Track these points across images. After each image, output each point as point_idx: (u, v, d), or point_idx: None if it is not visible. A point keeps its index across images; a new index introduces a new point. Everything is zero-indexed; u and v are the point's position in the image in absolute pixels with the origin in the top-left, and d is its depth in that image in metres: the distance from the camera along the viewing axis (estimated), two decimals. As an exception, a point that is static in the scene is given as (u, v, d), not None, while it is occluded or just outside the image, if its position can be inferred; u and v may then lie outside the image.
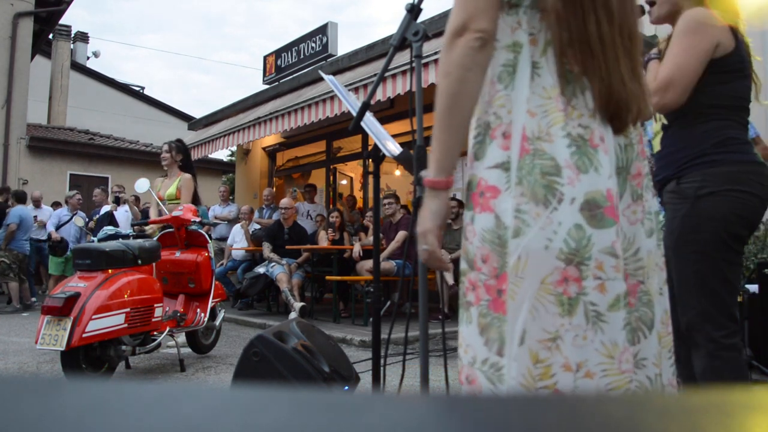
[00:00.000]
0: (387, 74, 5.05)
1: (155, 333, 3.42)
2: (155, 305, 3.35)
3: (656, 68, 1.71)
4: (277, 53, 9.88)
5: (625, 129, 1.02)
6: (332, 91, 4.71)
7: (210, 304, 3.93)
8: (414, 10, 1.63)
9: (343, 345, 4.14)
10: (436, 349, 3.99)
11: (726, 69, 1.66)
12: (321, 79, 5.06)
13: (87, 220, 7.79)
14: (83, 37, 17.44)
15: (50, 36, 13.42)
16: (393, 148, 1.95)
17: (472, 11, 1.00)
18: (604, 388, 0.93)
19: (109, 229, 5.54)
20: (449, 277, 5.60)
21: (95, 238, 6.14)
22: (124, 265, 3.27)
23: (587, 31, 0.99)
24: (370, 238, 5.86)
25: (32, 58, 11.76)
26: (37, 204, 8.28)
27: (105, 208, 7.47)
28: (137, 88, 18.50)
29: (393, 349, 3.90)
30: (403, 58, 3.98)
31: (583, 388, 0.92)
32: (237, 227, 7.29)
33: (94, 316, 2.89)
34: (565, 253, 0.94)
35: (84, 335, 2.83)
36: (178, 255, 3.91)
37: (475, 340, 1.03)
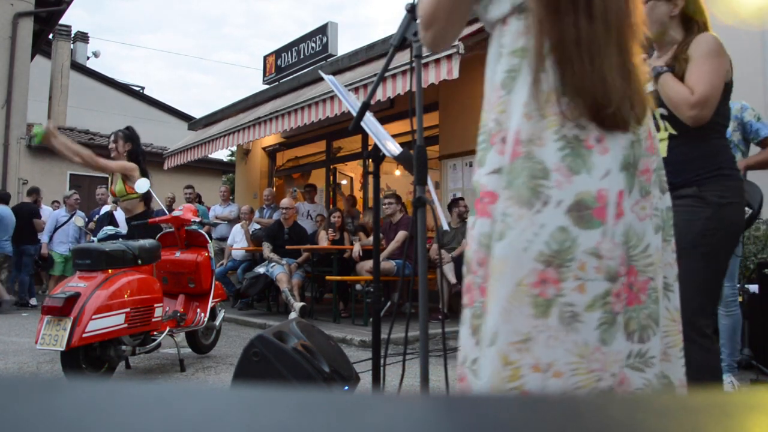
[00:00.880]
0: (387, 74, 5.05)
1: (155, 333, 3.42)
2: (155, 305, 3.35)
3: (677, 83, 1.80)
4: (277, 53, 9.88)
5: (625, 125, 1.01)
6: (332, 91, 4.71)
7: (210, 304, 3.93)
8: (414, 10, 1.63)
9: (343, 345, 4.14)
10: (436, 349, 3.99)
11: (727, 92, 1.86)
12: (321, 79, 5.06)
13: (86, 219, 7.80)
14: (83, 37, 17.44)
15: (50, 36, 13.41)
16: (393, 148, 1.95)
17: None
18: (572, 386, 0.93)
19: (109, 229, 5.54)
20: (451, 276, 5.60)
21: (95, 238, 6.15)
22: (124, 265, 3.27)
23: (564, 36, 0.99)
24: (370, 238, 5.86)
25: (32, 58, 11.76)
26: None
27: (105, 208, 7.47)
28: (137, 88, 18.50)
29: (393, 349, 3.90)
30: (403, 58, 3.99)
31: (552, 388, 0.92)
32: (237, 227, 7.30)
33: (94, 316, 2.89)
34: (545, 255, 0.94)
35: (84, 335, 2.83)
36: (178, 255, 3.91)
37: (467, 341, 1.05)
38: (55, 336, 2.81)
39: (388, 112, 6.68)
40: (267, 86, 9.67)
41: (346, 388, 2.39)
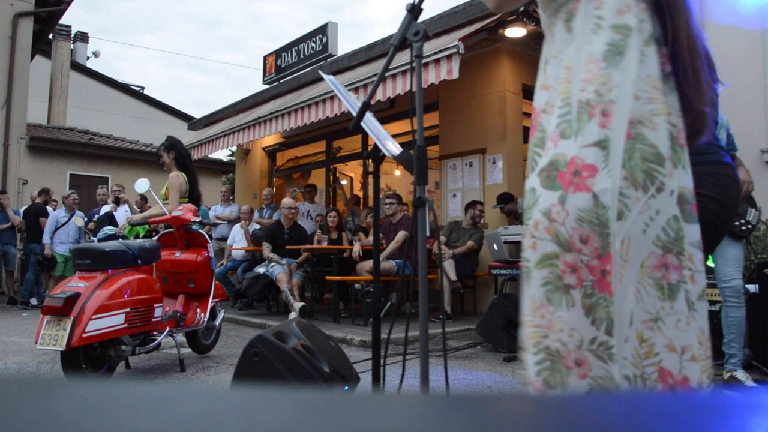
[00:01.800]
0: (387, 74, 5.06)
1: (155, 333, 3.42)
2: (155, 305, 3.35)
3: None
4: (277, 53, 9.88)
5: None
6: (332, 91, 4.71)
7: (210, 304, 3.93)
8: (414, 10, 1.63)
9: (343, 345, 4.14)
10: (436, 349, 4.00)
11: None
12: (321, 79, 5.06)
13: (86, 219, 7.80)
14: (83, 37, 17.44)
15: (50, 36, 13.41)
16: (393, 148, 1.95)
17: None
18: (700, 373, 0.98)
19: (109, 229, 5.55)
20: (451, 273, 5.60)
21: (95, 238, 6.15)
22: (124, 265, 3.27)
23: (679, 38, 1.04)
24: (370, 238, 5.87)
25: (32, 58, 11.75)
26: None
27: (105, 208, 7.48)
28: (137, 88, 18.50)
29: (393, 349, 3.91)
30: (403, 58, 4.00)
31: (689, 372, 0.96)
32: (237, 227, 7.30)
33: (94, 316, 2.89)
34: (663, 241, 0.98)
35: (84, 335, 2.83)
36: (178, 255, 3.91)
37: (581, 322, 0.99)
38: (55, 336, 2.81)
39: (388, 112, 6.69)
40: (267, 86, 9.67)
41: (346, 388, 2.39)
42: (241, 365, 2.35)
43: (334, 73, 6.82)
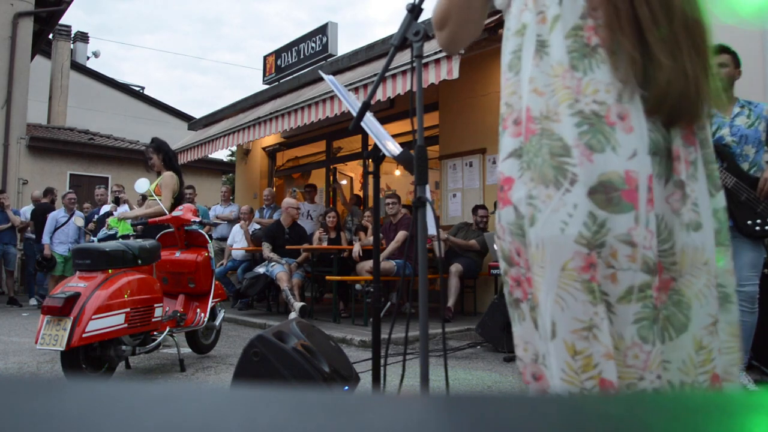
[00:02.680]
0: (387, 74, 5.06)
1: (155, 333, 3.42)
2: (155, 305, 3.35)
3: None
4: (277, 53, 9.88)
5: (675, 124, 0.95)
6: (332, 91, 4.71)
7: (210, 304, 3.93)
8: (415, 10, 1.63)
9: (343, 345, 4.14)
10: (436, 349, 3.99)
11: None
12: (321, 79, 5.06)
13: (86, 219, 7.80)
14: (83, 37, 17.44)
15: (50, 36, 13.42)
16: (393, 148, 1.95)
17: None
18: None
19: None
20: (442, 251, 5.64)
21: (95, 238, 6.15)
22: (124, 265, 3.27)
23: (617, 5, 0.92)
24: (370, 238, 5.87)
25: (32, 58, 11.76)
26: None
27: (105, 208, 7.48)
28: (137, 88, 18.51)
29: (393, 349, 3.90)
30: (403, 58, 3.99)
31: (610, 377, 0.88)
32: (237, 227, 7.30)
33: (94, 316, 2.89)
34: (586, 238, 0.88)
35: (84, 335, 2.83)
36: (178, 255, 3.91)
37: (533, 336, 0.97)
38: (55, 336, 2.81)
39: (388, 112, 6.69)
40: (267, 86, 9.67)
41: (346, 388, 2.39)
42: (241, 365, 2.35)
43: (334, 73, 6.82)
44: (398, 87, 5.20)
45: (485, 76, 6.42)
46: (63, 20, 12.97)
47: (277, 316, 6.17)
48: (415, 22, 1.63)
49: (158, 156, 4.37)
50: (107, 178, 11.69)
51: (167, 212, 4.06)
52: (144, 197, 6.70)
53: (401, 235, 5.58)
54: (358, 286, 5.79)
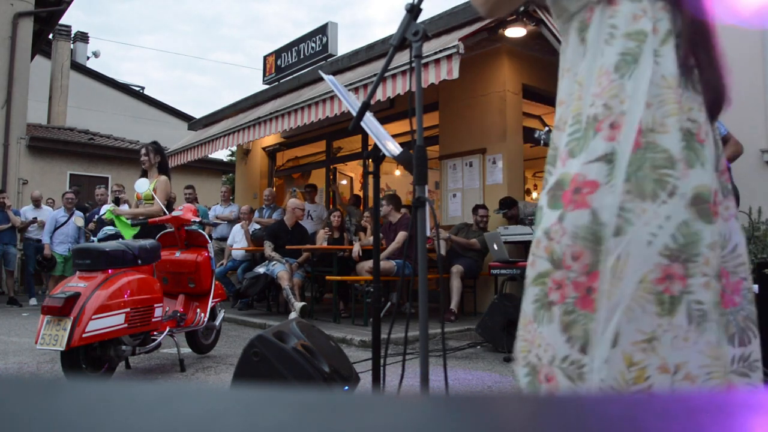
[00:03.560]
0: (387, 74, 5.06)
1: (155, 333, 3.42)
2: (155, 305, 3.35)
3: None
4: (277, 53, 9.89)
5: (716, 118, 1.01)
6: (332, 91, 4.71)
7: (210, 304, 3.93)
8: (414, 10, 1.63)
9: (343, 345, 4.14)
10: (436, 349, 3.99)
11: None
12: (321, 79, 5.06)
13: (86, 219, 7.80)
14: (83, 37, 17.44)
15: (50, 36, 13.41)
16: (393, 148, 1.95)
17: None
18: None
19: (109, 229, 5.53)
20: (443, 249, 5.64)
21: (95, 238, 6.14)
22: (124, 265, 3.27)
23: (698, 23, 0.98)
24: (370, 238, 5.87)
25: (32, 58, 11.75)
26: (36, 204, 8.30)
27: (105, 208, 7.47)
28: (137, 88, 18.50)
29: (393, 349, 3.90)
30: (403, 58, 3.99)
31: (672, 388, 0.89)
32: (237, 227, 7.30)
33: (94, 316, 2.89)
34: (671, 249, 0.91)
35: (84, 335, 2.83)
36: (178, 255, 3.91)
37: (556, 339, 0.98)
38: (55, 336, 2.80)
39: (388, 112, 6.68)
40: (267, 86, 9.67)
41: (346, 388, 2.39)
42: (241, 365, 2.35)
43: (334, 73, 6.82)
44: (398, 87, 5.20)
45: (485, 76, 6.42)
46: (63, 20, 12.97)
47: (277, 316, 6.17)
48: (415, 22, 1.63)
49: (155, 157, 4.40)
50: (107, 178, 11.69)
51: (166, 212, 4.08)
52: (116, 200, 6.69)
53: (401, 235, 5.58)
54: (358, 286, 5.79)
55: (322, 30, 9.01)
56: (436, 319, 5.15)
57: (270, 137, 8.79)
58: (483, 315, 4.50)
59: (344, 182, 10.56)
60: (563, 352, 0.96)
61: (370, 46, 7.15)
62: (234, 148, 11.80)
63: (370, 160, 2.03)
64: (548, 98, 6.31)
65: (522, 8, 5.27)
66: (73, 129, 12.98)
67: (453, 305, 5.63)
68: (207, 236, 4.06)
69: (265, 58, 10.22)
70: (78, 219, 7.79)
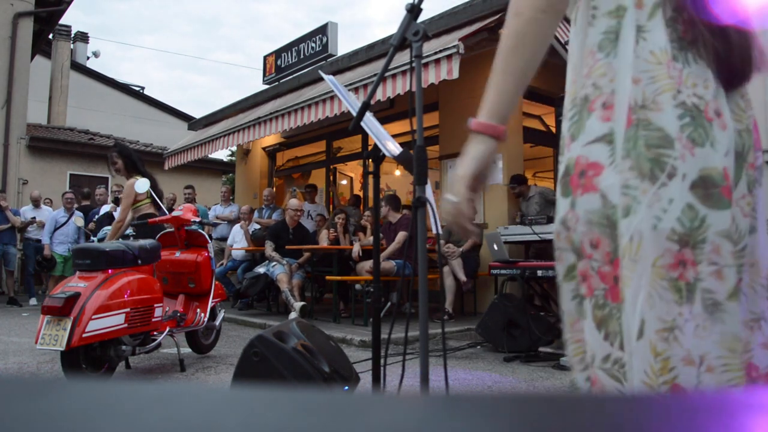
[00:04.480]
0: (387, 74, 5.06)
1: (155, 333, 3.42)
2: (155, 305, 3.35)
3: None
4: (277, 53, 9.89)
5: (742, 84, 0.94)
6: (332, 91, 4.71)
7: (210, 304, 3.93)
8: (414, 10, 1.63)
9: (343, 345, 4.14)
10: (436, 349, 3.99)
11: None
12: (321, 79, 5.06)
13: (86, 219, 7.81)
14: (83, 37, 17.44)
15: (50, 36, 13.41)
16: (393, 148, 1.95)
17: None
18: (725, 383, 0.85)
19: (109, 229, 5.53)
20: (460, 273, 5.61)
21: (95, 238, 6.15)
22: (124, 265, 3.27)
23: None
24: (370, 238, 5.87)
25: (32, 58, 11.75)
26: (36, 204, 8.30)
27: (105, 208, 7.48)
28: (137, 88, 18.50)
29: (393, 349, 3.90)
30: (403, 58, 3.99)
31: (705, 384, 0.84)
32: (237, 227, 7.30)
33: (94, 316, 2.89)
34: (678, 234, 0.85)
35: (84, 335, 2.83)
36: (178, 255, 3.91)
37: (593, 336, 0.92)
38: (55, 336, 2.81)
39: (388, 112, 6.68)
40: (267, 86, 9.67)
41: (346, 388, 2.39)
42: (241, 365, 2.35)
43: (334, 73, 6.82)
44: (398, 87, 5.20)
45: (485, 76, 6.32)
46: (63, 20, 12.97)
47: (277, 316, 6.17)
48: (415, 22, 1.63)
49: (122, 160, 4.22)
50: (107, 178, 11.69)
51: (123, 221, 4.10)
52: (116, 200, 6.65)
53: (401, 235, 5.58)
54: (358, 286, 5.79)
55: (322, 30, 9.02)
56: (436, 319, 5.15)
57: (270, 137, 8.79)
58: (483, 315, 4.51)
59: (344, 182, 10.56)
60: (603, 351, 0.91)
61: (370, 46, 7.15)
62: (234, 148, 11.80)
63: (370, 160, 2.03)
64: (548, 98, 6.30)
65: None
66: (73, 129, 12.98)
67: (447, 304, 5.62)
68: (207, 236, 4.06)
69: (265, 58, 10.22)
70: (78, 219, 7.79)
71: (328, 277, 5.85)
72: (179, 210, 4.04)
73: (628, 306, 0.88)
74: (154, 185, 4.19)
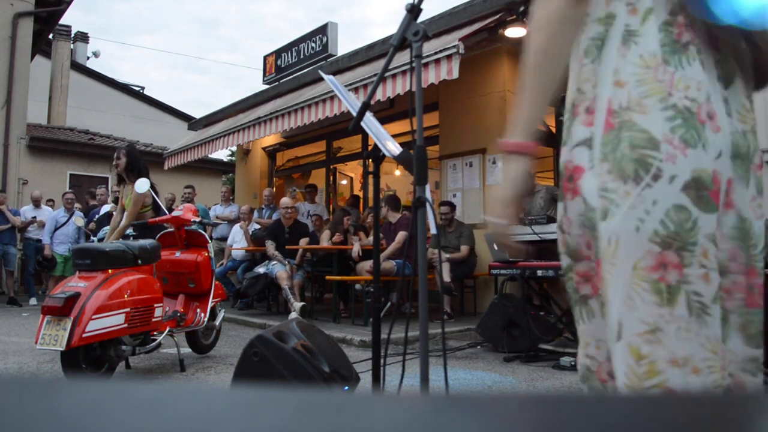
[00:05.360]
0: (387, 74, 5.06)
1: (155, 333, 3.42)
2: (155, 305, 3.35)
3: None
4: (277, 53, 9.89)
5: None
6: (332, 91, 4.71)
7: (210, 304, 3.93)
8: (414, 10, 1.63)
9: (343, 345, 4.14)
10: (436, 349, 3.99)
11: None
12: (321, 79, 5.07)
13: (86, 219, 7.81)
14: (83, 37, 17.44)
15: (50, 36, 13.41)
16: (393, 148, 1.95)
17: None
18: (710, 385, 0.85)
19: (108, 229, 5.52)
20: (446, 275, 5.61)
21: (95, 238, 6.14)
22: (124, 265, 3.27)
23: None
24: (370, 238, 5.87)
25: (32, 58, 11.75)
26: (36, 204, 8.30)
27: (105, 208, 7.48)
28: (137, 88, 18.50)
29: (393, 349, 3.90)
30: (403, 58, 3.99)
31: (692, 386, 0.84)
32: (237, 227, 7.30)
33: (94, 316, 2.89)
34: (661, 236, 0.85)
35: (84, 335, 2.83)
36: (178, 255, 3.91)
37: (605, 333, 0.93)
38: (55, 336, 2.80)
39: (388, 112, 6.68)
40: (267, 86, 9.67)
41: (346, 388, 2.39)
42: (241, 365, 2.35)
43: (334, 73, 6.82)
44: (398, 87, 5.20)
45: (485, 76, 6.42)
46: (63, 20, 12.97)
47: (277, 316, 6.17)
48: (415, 22, 1.63)
49: (126, 160, 4.19)
50: (107, 178, 11.68)
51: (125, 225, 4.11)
52: (116, 200, 6.66)
53: (401, 235, 5.58)
54: (358, 286, 5.79)
55: (322, 30, 9.01)
56: (436, 319, 5.15)
57: (270, 137, 8.79)
58: (483, 315, 4.50)
59: (344, 182, 10.56)
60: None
61: (370, 46, 7.15)
62: (234, 148, 11.80)
63: (370, 160, 2.03)
64: (548, 98, 6.30)
65: (522, 8, 5.27)
66: (73, 129, 12.98)
67: (446, 304, 5.62)
68: (207, 236, 4.06)
69: (265, 58, 10.22)
70: (78, 219, 7.79)
71: (328, 277, 5.85)
72: (179, 210, 4.04)
73: (609, 307, 0.89)
74: (153, 190, 4.20)
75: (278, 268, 5.88)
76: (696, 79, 0.90)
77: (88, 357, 3.03)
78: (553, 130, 6.46)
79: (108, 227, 5.29)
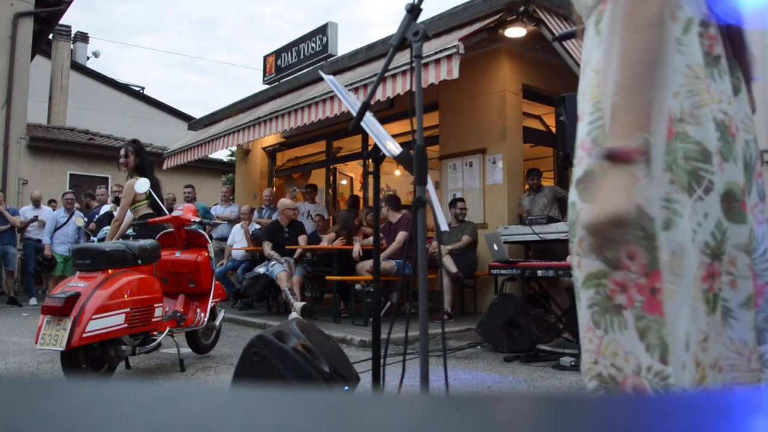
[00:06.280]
0: (387, 74, 5.07)
1: (155, 333, 3.42)
2: (155, 305, 3.35)
3: None
4: (277, 53, 9.89)
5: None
6: (332, 91, 4.71)
7: (210, 304, 3.93)
8: (414, 10, 1.63)
9: (343, 345, 4.14)
10: (436, 349, 3.99)
11: None
12: (321, 79, 5.07)
13: (86, 219, 7.81)
14: (83, 37, 17.44)
15: (50, 36, 13.41)
16: (393, 148, 1.95)
17: None
18: (731, 381, 0.88)
19: (108, 229, 5.53)
20: (451, 266, 5.61)
21: (95, 238, 6.15)
22: (124, 265, 3.27)
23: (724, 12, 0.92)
24: (371, 238, 5.87)
25: (32, 58, 11.75)
26: (36, 204, 8.30)
27: (105, 208, 7.48)
28: (137, 89, 18.50)
29: (393, 349, 3.90)
30: (403, 58, 4.00)
31: (715, 383, 0.87)
32: (237, 227, 7.30)
33: (94, 316, 2.89)
34: (711, 248, 0.88)
35: (84, 335, 2.83)
36: (178, 255, 3.91)
37: (636, 346, 0.91)
38: (55, 336, 2.80)
39: (388, 112, 6.69)
40: (267, 86, 9.67)
41: (346, 388, 2.39)
42: (241, 365, 2.35)
43: (334, 73, 6.82)
44: (398, 87, 5.20)
45: (485, 76, 6.42)
46: (62, 20, 12.97)
47: (277, 316, 6.17)
48: (415, 22, 1.63)
49: (134, 157, 4.21)
50: (107, 178, 11.68)
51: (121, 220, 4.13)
52: (116, 200, 6.66)
53: (401, 235, 5.58)
54: (358, 286, 5.79)
55: (322, 30, 9.01)
56: (436, 319, 5.15)
57: (270, 137, 8.79)
58: (483, 315, 4.50)
59: (344, 182, 10.56)
60: (646, 362, 0.90)
61: (370, 46, 7.15)
62: (234, 148, 11.81)
63: (370, 160, 2.03)
64: (548, 98, 6.30)
65: (522, 8, 5.27)
66: (73, 129, 12.98)
67: (446, 304, 5.62)
68: (207, 236, 4.06)
69: (265, 58, 10.22)
70: (78, 219, 7.79)
71: (328, 277, 5.85)
72: (179, 210, 4.04)
73: (670, 319, 0.88)
74: (157, 189, 4.20)
75: (278, 269, 5.88)
76: (727, 93, 0.92)
77: (88, 357, 3.03)
78: (553, 130, 6.46)
79: (108, 227, 5.30)
